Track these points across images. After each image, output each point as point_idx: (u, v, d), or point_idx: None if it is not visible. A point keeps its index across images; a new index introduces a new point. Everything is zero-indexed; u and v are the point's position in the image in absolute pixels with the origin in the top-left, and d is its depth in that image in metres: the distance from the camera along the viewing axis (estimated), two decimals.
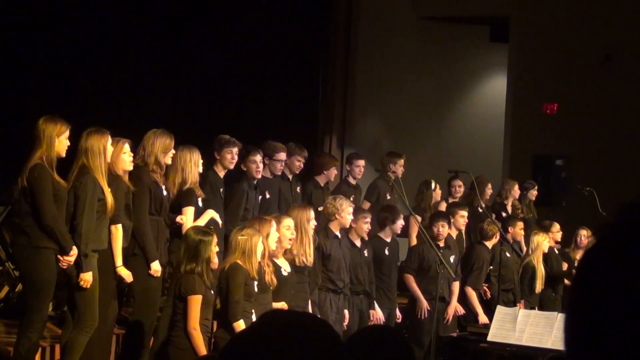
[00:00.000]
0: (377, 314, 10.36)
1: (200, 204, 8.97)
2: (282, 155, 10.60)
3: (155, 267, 8.26)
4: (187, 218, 8.73)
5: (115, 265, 8.01)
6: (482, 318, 10.90)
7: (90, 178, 7.59)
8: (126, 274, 8.06)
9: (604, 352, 1.44)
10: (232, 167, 9.75)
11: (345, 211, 9.82)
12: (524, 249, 12.09)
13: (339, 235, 9.92)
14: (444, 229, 10.61)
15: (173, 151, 8.57)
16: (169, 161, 8.58)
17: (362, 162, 11.79)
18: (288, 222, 8.66)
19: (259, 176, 10.07)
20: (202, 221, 8.77)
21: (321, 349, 1.80)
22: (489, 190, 12.86)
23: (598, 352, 1.45)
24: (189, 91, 14.54)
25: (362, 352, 3.14)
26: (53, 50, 13.44)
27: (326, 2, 15.94)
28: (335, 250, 9.81)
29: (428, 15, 16.28)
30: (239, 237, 7.82)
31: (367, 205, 11.62)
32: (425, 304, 10.53)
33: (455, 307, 10.89)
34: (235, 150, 9.68)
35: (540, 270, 11.72)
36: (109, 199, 7.65)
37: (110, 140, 7.74)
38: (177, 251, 7.98)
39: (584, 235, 12.45)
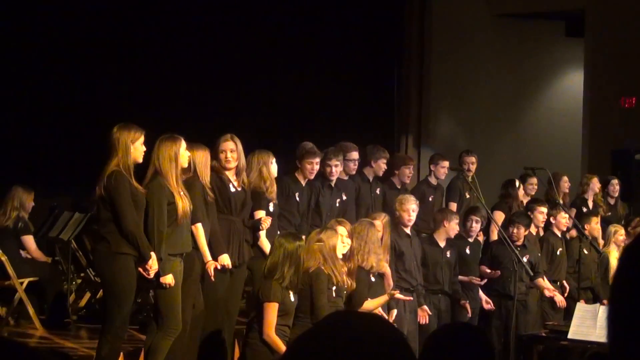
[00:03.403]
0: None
1: (271, 208, 8.97)
2: (355, 155, 10.57)
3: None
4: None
5: (205, 261, 8.07)
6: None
7: (157, 182, 7.64)
8: (213, 267, 8.07)
9: None
10: (312, 177, 9.79)
11: (403, 209, 9.75)
12: (601, 244, 11.90)
13: (410, 233, 9.90)
14: (519, 231, 10.52)
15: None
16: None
17: (446, 163, 11.69)
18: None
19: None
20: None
21: (388, 355, 1.79)
22: (565, 184, 12.71)
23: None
24: (268, 97, 14.60)
25: (443, 350, 3.12)
26: (131, 59, 13.65)
27: (400, 1, 15.94)
28: (407, 249, 9.79)
29: (502, 13, 16.19)
30: (318, 243, 7.89)
31: (453, 206, 11.55)
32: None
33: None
34: (316, 160, 9.73)
35: (614, 263, 11.55)
36: (180, 203, 7.65)
37: (184, 145, 7.80)
38: None
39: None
